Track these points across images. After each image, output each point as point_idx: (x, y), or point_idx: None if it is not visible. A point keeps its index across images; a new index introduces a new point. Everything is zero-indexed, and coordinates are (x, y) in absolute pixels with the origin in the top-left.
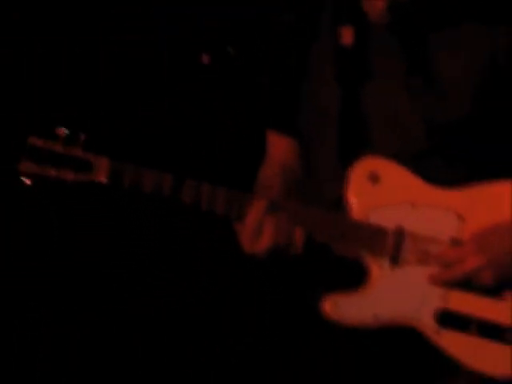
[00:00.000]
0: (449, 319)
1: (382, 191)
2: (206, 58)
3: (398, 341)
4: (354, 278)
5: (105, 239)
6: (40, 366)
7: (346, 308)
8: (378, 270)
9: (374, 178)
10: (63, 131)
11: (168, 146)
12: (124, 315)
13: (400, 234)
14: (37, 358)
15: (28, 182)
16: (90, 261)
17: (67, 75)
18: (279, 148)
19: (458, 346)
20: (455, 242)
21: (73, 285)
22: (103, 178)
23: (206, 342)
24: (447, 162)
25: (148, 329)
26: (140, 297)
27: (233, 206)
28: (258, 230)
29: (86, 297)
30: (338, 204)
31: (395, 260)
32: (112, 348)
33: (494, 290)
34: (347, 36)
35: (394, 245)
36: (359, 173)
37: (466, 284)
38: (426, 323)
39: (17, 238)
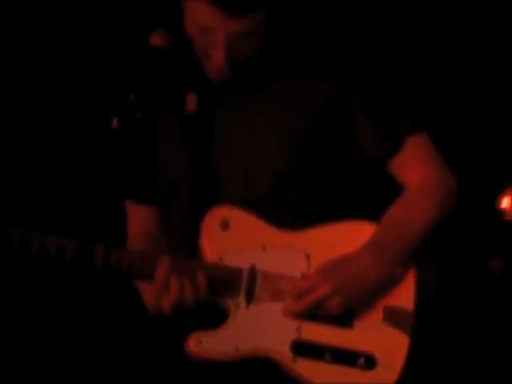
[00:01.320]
0: (304, 349)
1: (234, 236)
2: (115, 122)
3: (260, 372)
4: (213, 317)
5: None
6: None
7: (209, 344)
8: (235, 308)
9: (225, 225)
10: None
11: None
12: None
13: (253, 273)
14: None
15: None
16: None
17: (67, 75)
18: (138, 218)
19: (315, 373)
20: (304, 278)
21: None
22: None
23: None
24: (290, 207)
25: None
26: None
27: (136, 265)
28: (166, 287)
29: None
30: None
31: (250, 298)
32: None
33: (344, 320)
34: (191, 102)
35: (247, 284)
36: (211, 221)
37: (318, 315)
38: (283, 354)
39: None
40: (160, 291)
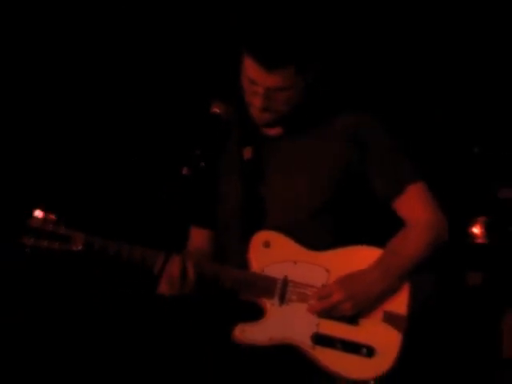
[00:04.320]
0: (321, 340)
1: (273, 253)
2: (185, 170)
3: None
4: (254, 313)
5: None
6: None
7: (250, 333)
8: (271, 306)
9: (267, 245)
10: (51, 215)
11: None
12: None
13: (285, 281)
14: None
15: (27, 249)
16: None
17: (67, 78)
18: (196, 239)
19: (329, 359)
20: (324, 286)
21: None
22: (80, 247)
23: None
24: (319, 233)
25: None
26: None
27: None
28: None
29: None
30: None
31: (282, 300)
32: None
33: (352, 319)
34: (248, 153)
35: (281, 289)
36: (256, 241)
37: (333, 315)
38: (305, 343)
39: None
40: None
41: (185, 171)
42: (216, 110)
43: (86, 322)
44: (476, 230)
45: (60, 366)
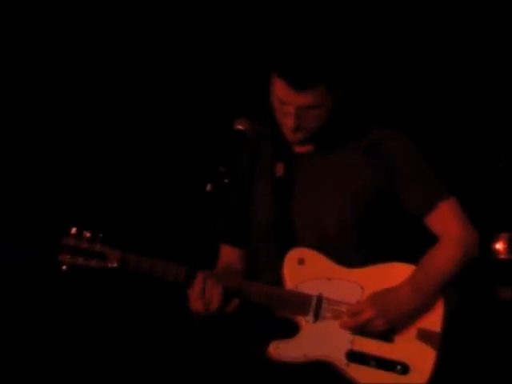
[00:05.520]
0: (355, 357)
1: (307, 270)
2: (209, 187)
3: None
4: (289, 329)
5: None
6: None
7: (284, 350)
8: (305, 323)
9: (301, 262)
10: (87, 233)
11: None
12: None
13: (320, 298)
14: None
15: (64, 267)
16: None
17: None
18: (226, 257)
19: (363, 376)
20: (357, 303)
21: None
22: (115, 264)
23: None
24: (351, 250)
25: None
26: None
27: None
28: (202, 294)
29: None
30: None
31: (317, 317)
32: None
33: (386, 336)
34: (279, 169)
35: (315, 306)
36: (290, 258)
37: (367, 332)
38: (339, 360)
39: None
40: (198, 296)
41: (209, 188)
42: (239, 126)
43: (87, 323)
44: (499, 245)
45: (60, 366)
